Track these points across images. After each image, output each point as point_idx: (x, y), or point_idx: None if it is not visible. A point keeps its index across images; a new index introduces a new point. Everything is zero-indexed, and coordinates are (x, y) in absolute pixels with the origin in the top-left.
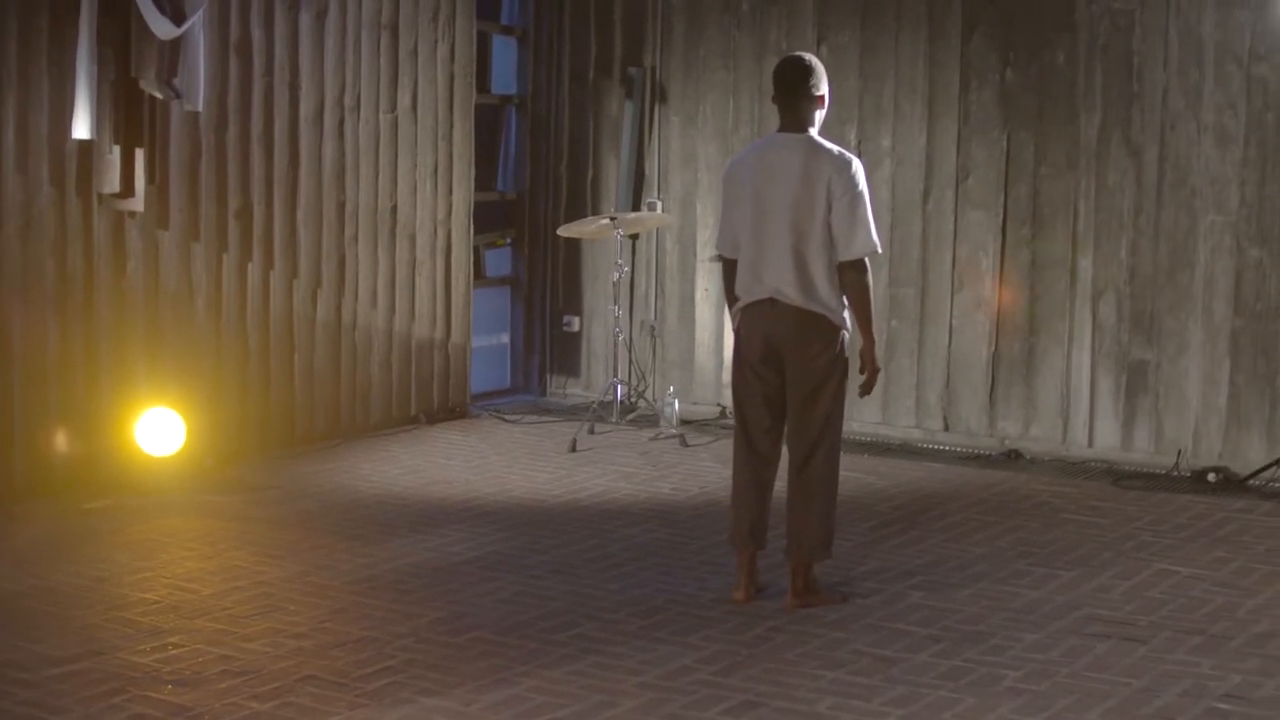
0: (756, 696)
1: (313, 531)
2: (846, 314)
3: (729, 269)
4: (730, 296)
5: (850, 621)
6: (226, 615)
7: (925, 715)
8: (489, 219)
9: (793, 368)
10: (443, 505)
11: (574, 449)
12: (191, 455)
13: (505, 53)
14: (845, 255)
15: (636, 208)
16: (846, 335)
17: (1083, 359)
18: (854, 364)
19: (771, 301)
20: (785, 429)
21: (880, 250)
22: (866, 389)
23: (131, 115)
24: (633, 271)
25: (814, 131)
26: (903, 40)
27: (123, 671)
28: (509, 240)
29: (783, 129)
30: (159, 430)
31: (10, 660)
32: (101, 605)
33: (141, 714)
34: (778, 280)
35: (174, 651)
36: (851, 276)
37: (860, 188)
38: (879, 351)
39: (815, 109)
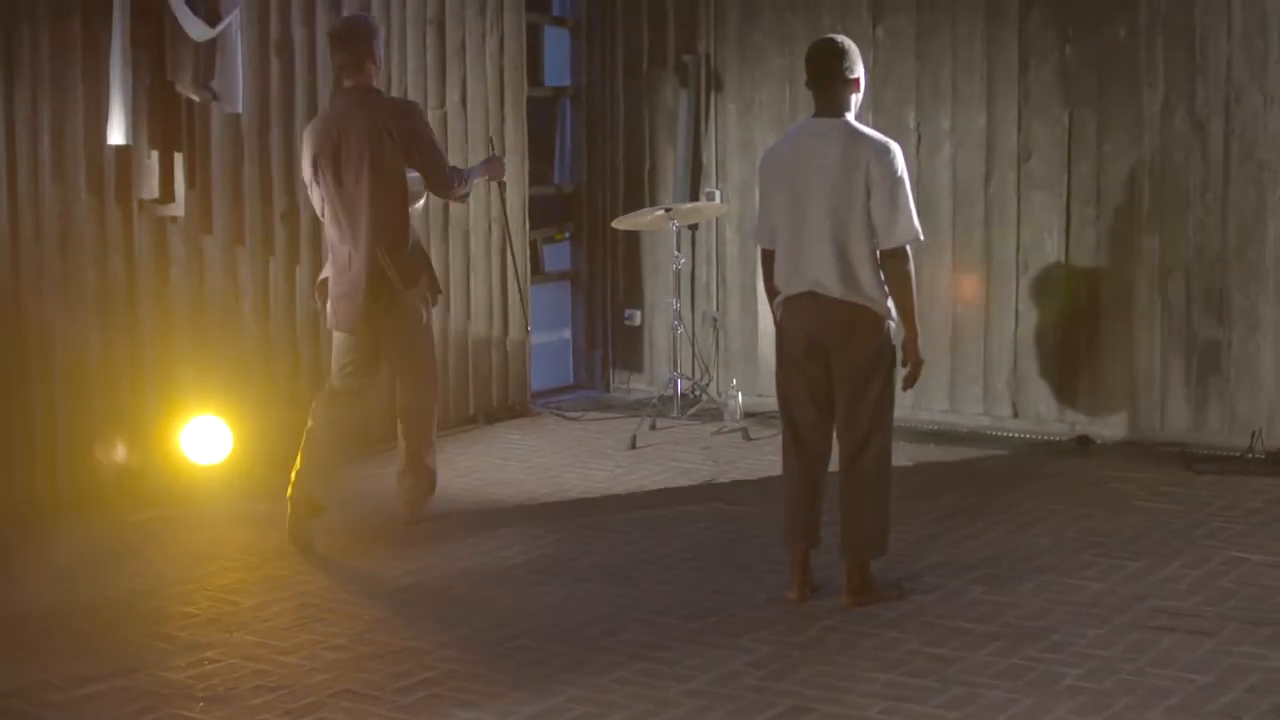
0: (806, 701)
1: (360, 539)
2: (890, 303)
3: (768, 260)
4: (770, 289)
5: (907, 619)
6: (266, 628)
7: (981, 717)
8: (547, 213)
9: (839, 361)
10: (497, 507)
11: (634, 446)
12: (241, 463)
13: (558, 44)
14: (887, 243)
15: (695, 198)
16: (892, 325)
17: (1152, 340)
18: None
19: (812, 295)
20: (834, 423)
21: (922, 238)
22: (910, 382)
23: (169, 119)
24: (693, 263)
25: (850, 116)
26: (959, 20)
27: (155, 689)
28: (567, 234)
29: (818, 114)
30: (206, 439)
31: (43, 680)
32: (141, 620)
33: None
34: (817, 271)
35: (209, 667)
36: (893, 265)
37: (900, 173)
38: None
39: (850, 92)
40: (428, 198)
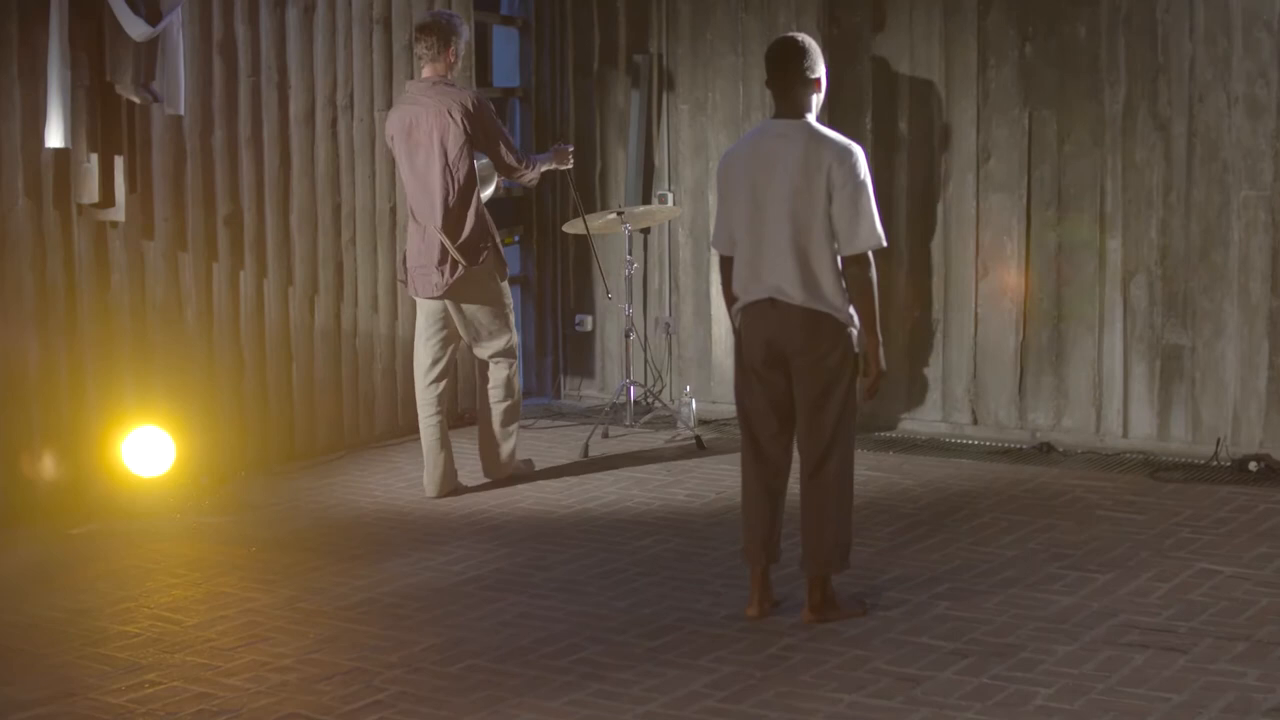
0: None
1: (307, 553)
2: (852, 310)
3: (726, 267)
4: (729, 296)
5: (871, 636)
6: (209, 648)
7: None
8: (496, 216)
9: (799, 370)
10: (446, 520)
11: (586, 455)
12: (185, 475)
13: (506, 44)
14: (848, 249)
15: (647, 200)
16: (854, 332)
17: (1114, 345)
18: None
19: (772, 301)
20: (795, 434)
21: (885, 243)
22: (870, 392)
23: (109, 121)
24: (645, 267)
25: (811, 117)
26: (917, 18)
27: (93, 714)
28: (517, 238)
29: (778, 115)
30: (147, 450)
31: None
32: (79, 640)
33: None
34: (777, 277)
35: (150, 690)
36: (854, 271)
37: (863, 177)
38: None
39: (812, 93)
40: (498, 181)
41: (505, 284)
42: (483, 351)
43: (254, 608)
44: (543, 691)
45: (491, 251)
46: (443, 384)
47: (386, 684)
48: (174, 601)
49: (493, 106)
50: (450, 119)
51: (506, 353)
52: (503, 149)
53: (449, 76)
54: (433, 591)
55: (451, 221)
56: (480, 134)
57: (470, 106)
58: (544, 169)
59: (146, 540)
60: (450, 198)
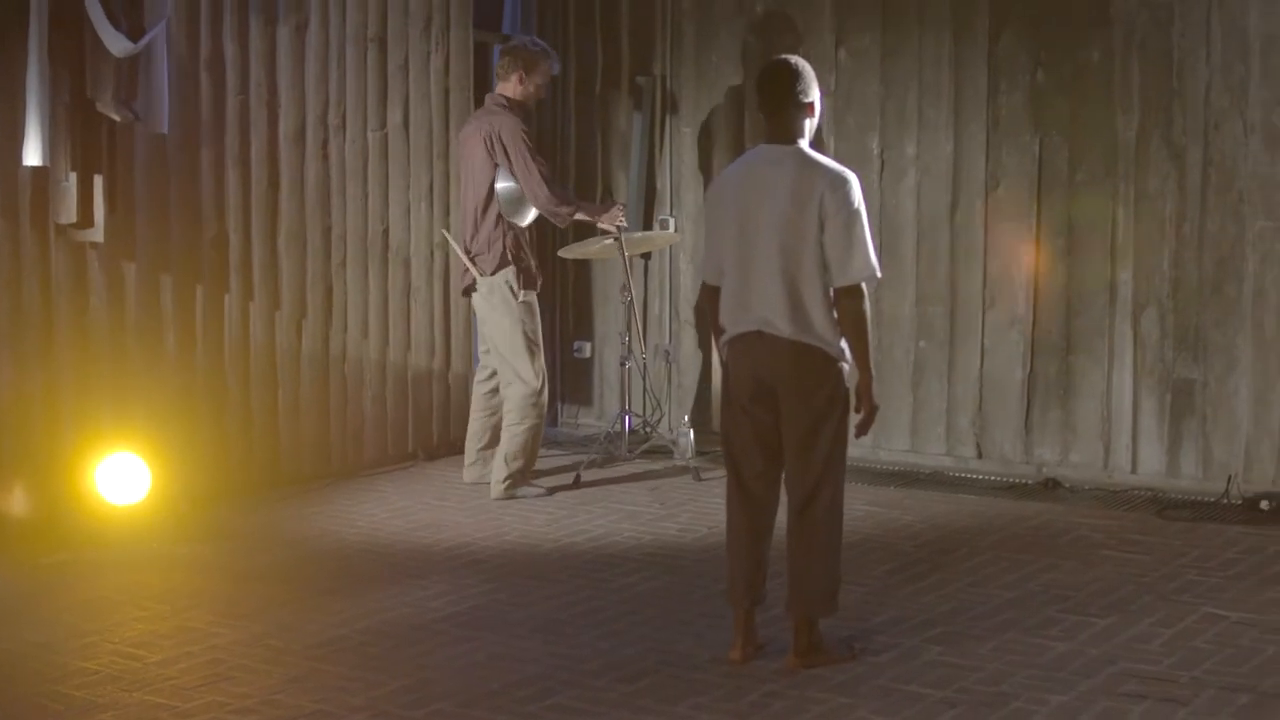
0: None
1: (282, 586)
2: (844, 344)
3: (712, 297)
4: (715, 328)
5: (858, 683)
6: (170, 687)
7: None
8: None
9: (788, 405)
10: (428, 553)
11: (578, 484)
12: (165, 503)
13: None
14: (840, 281)
15: (648, 225)
16: (846, 367)
17: (1124, 379)
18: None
19: (759, 334)
20: (782, 472)
21: (879, 275)
22: (863, 429)
23: (89, 140)
24: (645, 293)
25: (804, 143)
26: (926, 42)
27: None
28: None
29: (770, 140)
30: (122, 477)
31: None
32: (36, 677)
33: None
34: (766, 309)
35: None
36: (847, 304)
37: (857, 205)
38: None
39: (805, 118)
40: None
41: (528, 310)
42: (499, 366)
43: (220, 644)
44: None
45: (517, 265)
46: (488, 385)
47: None
48: (139, 636)
49: (525, 133)
50: (484, 140)
51: (522, 377)
52: (531, 180)
53: (506, 100)
54: (407, 629)
55: (469, 232)
56: (506, 160)
57: (501, 132)
58: (584, 218)
59: (118, 571)
60: (474, 212)
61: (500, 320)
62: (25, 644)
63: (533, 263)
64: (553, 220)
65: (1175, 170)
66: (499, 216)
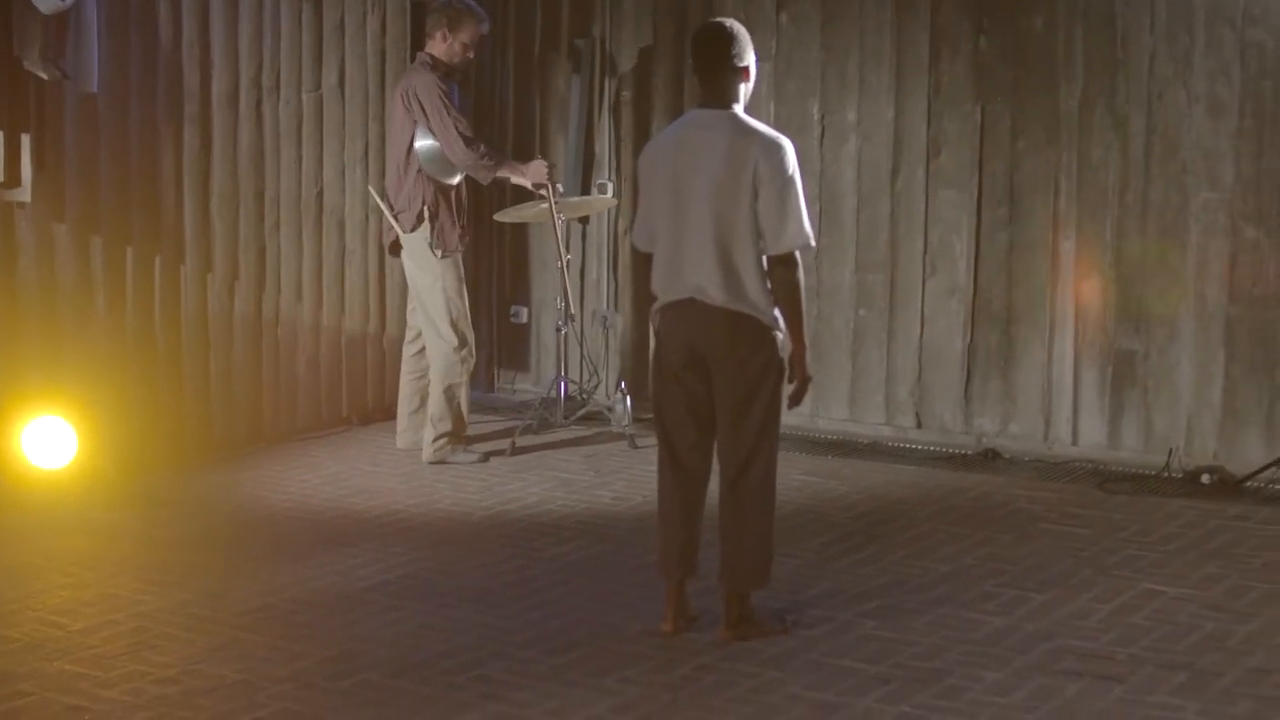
0: None
1: (210, 553)
2: (778, 312)
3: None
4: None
5: (790, 658)
6: (91, 656)
7: None
8: None
9: (720, 375)
10: (359, 520)
11: (512, 452)
12: (93, 467)
13: None
14: (774, 249)
15: (586, 190)
16: (780, 336)
17: (1065, 349)
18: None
19: (692, 302)
20: (715, 442)
21: (813, 243)
22: (795, 399)
23: (16, 98)
24: (584, 258)
25: (739, 108)
26: (868, 7)
27: None
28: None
29: (703, 105)
30: (49, 441)
31: None
32: None
33: None
34: (698, 277)
35: (21, 702)
36: (780, 273)
37: (791, 172)
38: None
39: (740, 82)
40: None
41: (451, 267)
42: (425, 328)
43: (144, 611)
44: (435, 711)
45: (436, 223)
46: (416, 345)
47: (270, 699)
48: (61, 603)
49: (442, 90)
50: (402, 97)
51: (441, 335)
52: (449, 136)
53: (430, 58)
54: (334, 598)
55: (387, 188)
56: (424, 117)
57: (417, 89)
58: (507, 175)
59: (42, 536)
60: (397, 169)
61: (421, 277)
62: None
63: (454, 221)
64: (475, 177)
65: (1118, 139)
66: (419, 173)
